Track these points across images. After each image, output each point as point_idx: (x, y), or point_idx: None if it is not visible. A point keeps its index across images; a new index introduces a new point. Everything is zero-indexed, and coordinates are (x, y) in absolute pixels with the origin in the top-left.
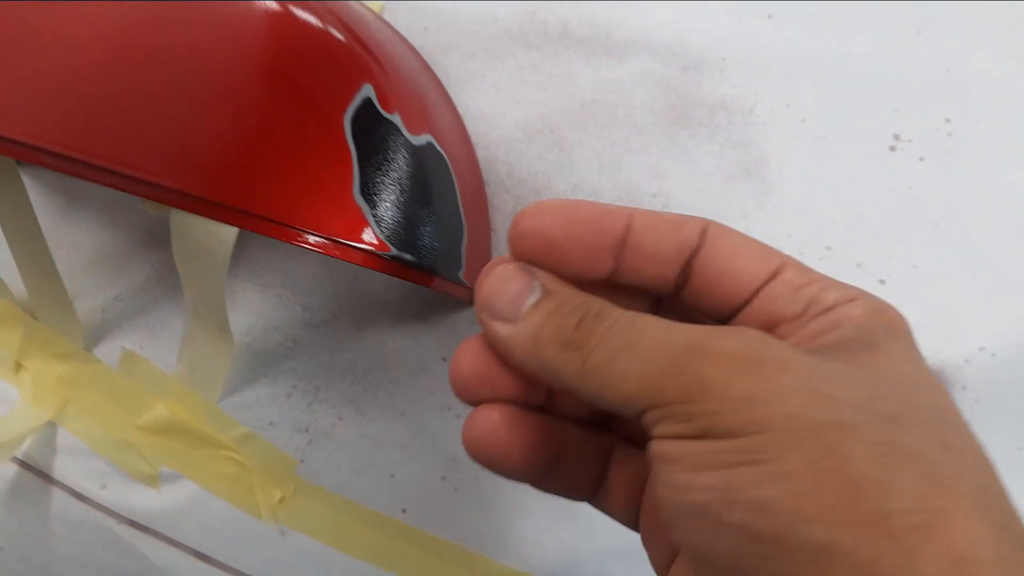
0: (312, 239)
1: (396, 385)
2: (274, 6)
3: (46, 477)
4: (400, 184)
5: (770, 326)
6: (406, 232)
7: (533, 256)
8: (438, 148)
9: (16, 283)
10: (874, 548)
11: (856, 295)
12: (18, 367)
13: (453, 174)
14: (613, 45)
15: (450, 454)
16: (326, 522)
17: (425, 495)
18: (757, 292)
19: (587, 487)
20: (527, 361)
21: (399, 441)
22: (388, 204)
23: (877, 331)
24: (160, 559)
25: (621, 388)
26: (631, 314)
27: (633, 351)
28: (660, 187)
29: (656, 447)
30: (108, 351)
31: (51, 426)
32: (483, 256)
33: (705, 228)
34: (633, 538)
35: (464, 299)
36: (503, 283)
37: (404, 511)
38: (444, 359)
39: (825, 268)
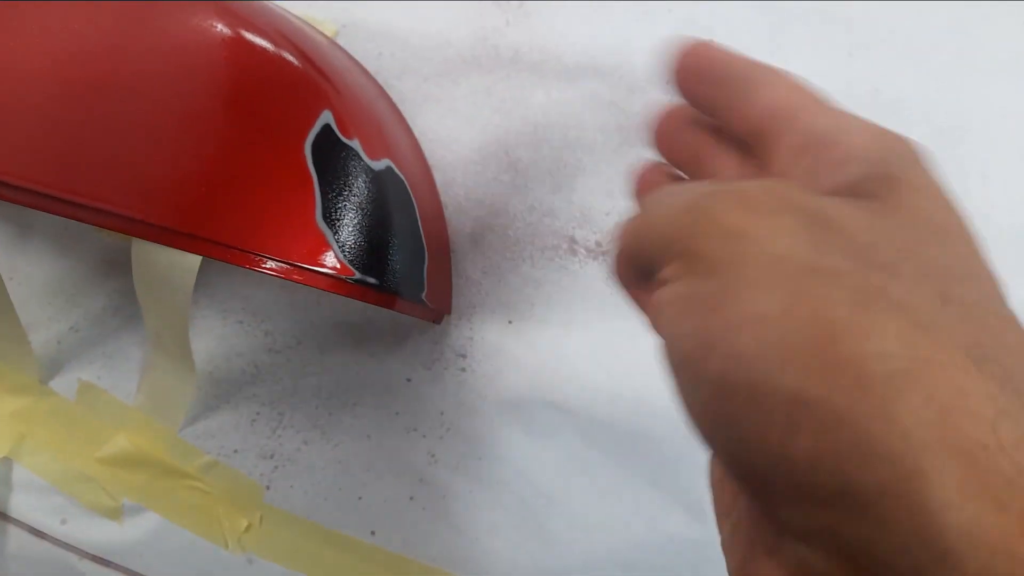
0: (276, 265)
1: (361, 408)
2: (228, 32)
3: (2, 515)
4: (361, 209)
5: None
6: (369, 256)
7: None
8: (397, 172)
9: None
10: (847, 395)
11: (855, 124)
12: None
13: (413, 197)
14: (563, 69)
15: (418, 474)
16: (294, 548)
17: (394, 516)
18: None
19: None
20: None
21: (366, 463)
22: (350, 229)
23: (889, 166)
24: None
25: (649, 234)
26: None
27: (669, 198)
28: (613, 206)
29: (654, 296)
30: (65, 383)
31: (6, 462)
32: (444, 277)
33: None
34: (601, 554)
35: (427, 319)
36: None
37: (373, 533)
38: (408, 380)
39: None
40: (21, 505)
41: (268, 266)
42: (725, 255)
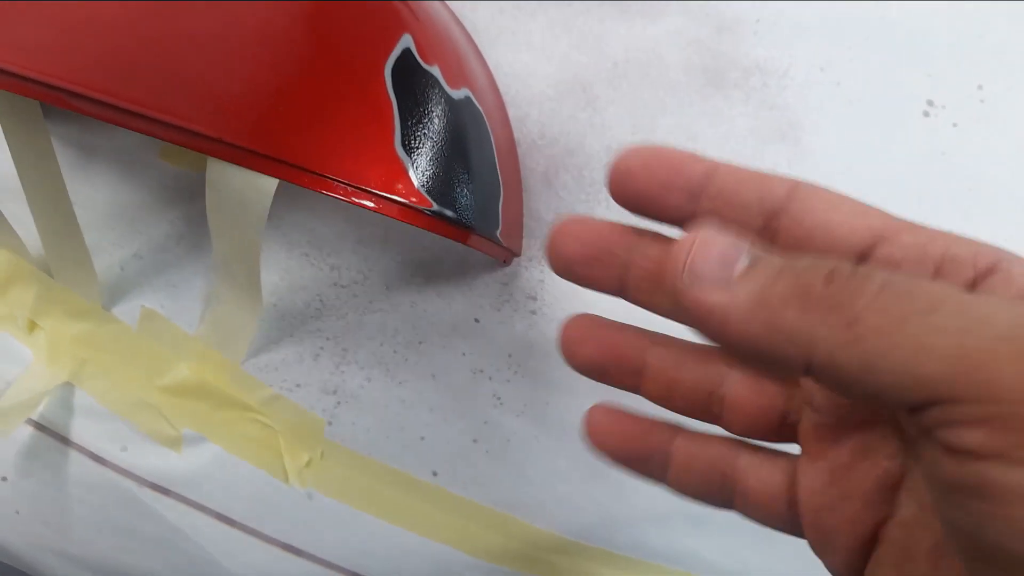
0: (353, 192)
1: (427, 346)
2: None
3: (63, 439)
4: (441, 138)
5: None
6: (446, 187)
7: (618, 194)
8: (475, 103)
9: (30, 239)
10: None
11: (990, 250)
12: (32, 326)
13: (490, 131)
14: (647, 4)
15: (482, 416)
16: (354, 485)
17: (456, 458)
18: (867, 255)
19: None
20: (751, 330)
21: (429, 403)
22: (429, 158)
23: None
24: (182, 522)
25: (913, 366)
26: (903, 275)
27: (935, 320)
28: (694, 148)
29: (972, 467)
30: (127, 311)
31: (68, 387)
32: (517, 216)
33: (795, 185)
34: (670, 503)
35: (499, 258)
36: (704, 245)
37: (435, 474)
38: (476, 320)
39: None
40: (82, 430)
41: (344, 192)
42: None
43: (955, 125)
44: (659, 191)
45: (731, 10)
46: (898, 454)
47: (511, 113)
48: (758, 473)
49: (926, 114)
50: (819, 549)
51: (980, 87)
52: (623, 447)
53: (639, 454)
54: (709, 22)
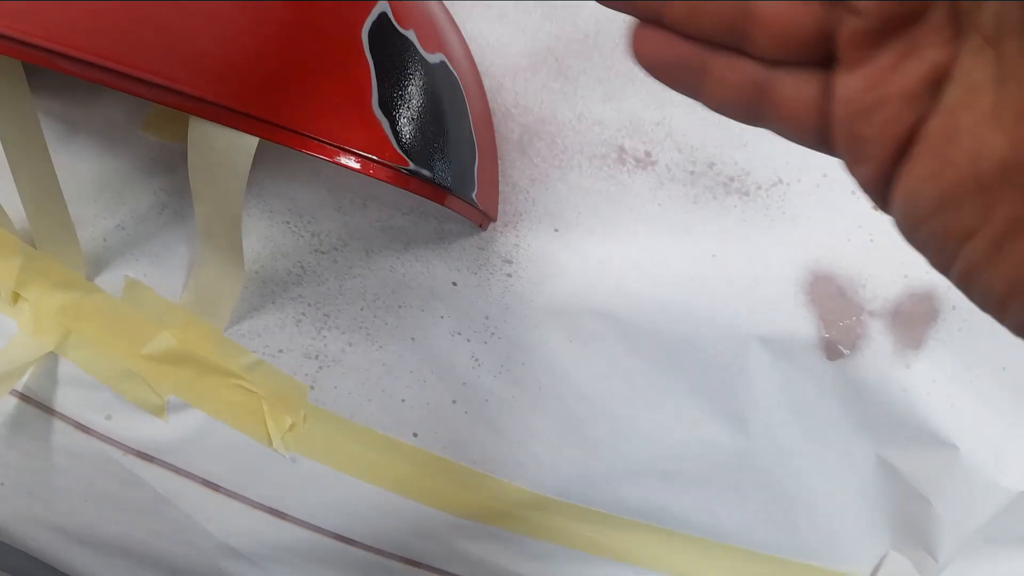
0: (333, 150)
1: (406, 310)
2: None
3: (47, 409)
4: (417, 99)
5: None
6: (423, 147)
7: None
8: (451, 68)
9: (13, 210)
10: None
11: None
12: (16, 298)
13: (465, 96)
14: None
15: (461, 378)
16: (337, 447)
17: (435, 419)
18: None
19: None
20: None
21: (409, 366)
22: (406, 118)
23: None
24: (167, 489)
25: None
26: None
27: None
28: (663, 115)
29: None
30: (111, 280)
31: (52, 357)
32: (493, 181)
33: None
34: (643, 461)
35: (475, 221)
36: None
37: (415, 435)
38: (454, 284)
39: (822, 194)
40: (66, 400)
41: (325, 151)
42: None
43: None
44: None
45: None
46: (949, 42)
47: (486, 83)
48: (792, 85)
49: None
50: (851, 159)
51: None
52: (663, 58)
53: (677, 64)
54: None
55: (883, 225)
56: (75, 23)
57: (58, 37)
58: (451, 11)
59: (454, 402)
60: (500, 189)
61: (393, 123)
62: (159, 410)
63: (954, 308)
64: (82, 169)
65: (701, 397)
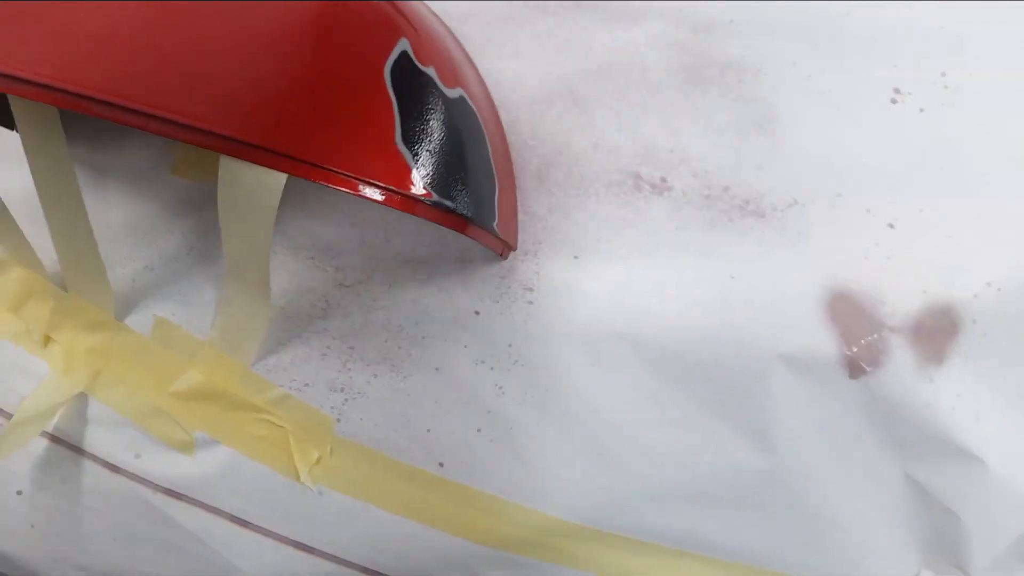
0: (360, 184)
1: (430, 340)
2: None
3: (77, 450)
4: (438, 133)
5: None
6: (445, 179)
7: None
8: (469, 103)
9: (44, 252)
10: None
11: None
12: (47, 340)
13: (484, 128)
14: (626, 10)
15: (485, 406)
16: (364, 479)
17: (461, 448)
18: None
19: None
20: None
21: (434, 396)
22: (428, 151)
23: None
24: (196, 527)
25: None
26: None
27: None
28: (677, 143)
29: None
30: (139, 321)
31: (82, 397)
32: (512, 210)
33: None
34: (669, 484)
35: (496, 250)
36: None
37: (441, 465)
38: (476, 313)
39: (835, 214)
40: (96, 439)
41: (352, 185)
42: None
43: (922, 110)
44: None
45: (706, 12)
46: None
47: (503, 116)
48: None
49: (893, 101)
50: None
51: (943, 74)
52: None
53: None
54: (685, 24)
55: (900, 242)
56: (108, 69)
57: (92, 83)
58: (467, 48)
59: (479, 431)
60: (519, 218)
61: (416, 156)
62: (187, 447)
63: (975, 322)
64: (111, 213)
65: (726, 419)
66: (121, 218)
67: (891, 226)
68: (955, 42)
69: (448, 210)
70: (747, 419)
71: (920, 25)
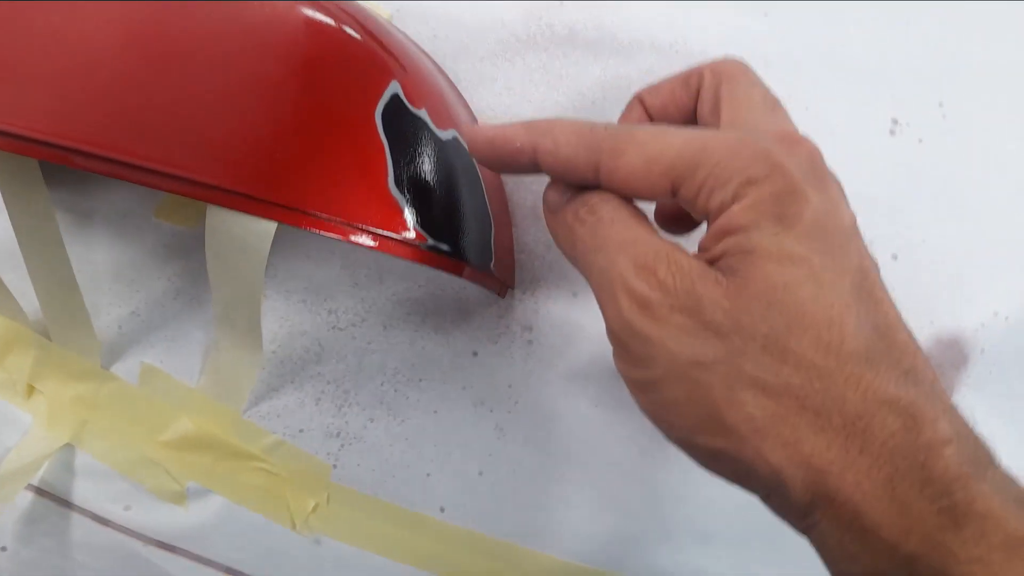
0: (352, 231)
1: (427, 383)
2: (297, 8)
3: (65, 503)
4: (431, 176)
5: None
6: (439, 222)
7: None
8: (463, 143)
9: (27, 299)
10: (736, 445)
11: (745, 178)
12: (31, 391)
13: (477, 168)
14: (619, 45)
15: (486, 449)
16: (363, 526)
17: (463, 492)
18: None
19: None
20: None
21: (433, 439)
22: (421, 195)
23: (753, 236)
24: None
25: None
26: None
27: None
28: None
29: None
30: (127, 368)
31: (69, 449)
32: (508, 249)
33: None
34: (678, 522)
35: (494, 290)
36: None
37: (442, 509)
38: (475, 353)
39: None
40: (84, 492)
41: (343, 232)
42: (642, 356)
43: (920, 141)
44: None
45: (699, 47)
46: None
47: None
48: None
49: (892, 132)
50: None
51: (941, 104)
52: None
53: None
54: (679, 60)
55: (904, 273)
56: (90, 120)
57: (74, 135)
58: (459, 86)
59: (480, 474)
60: (517, 256)
61: (409, 201)
62: (179, 497)
63: (983, 351)
64: (96, 258)
65: None
66: (106, 263)
67: (894, 257)
68: (952, 71)
69: (443, 253)
70: None
71: (917, 55)
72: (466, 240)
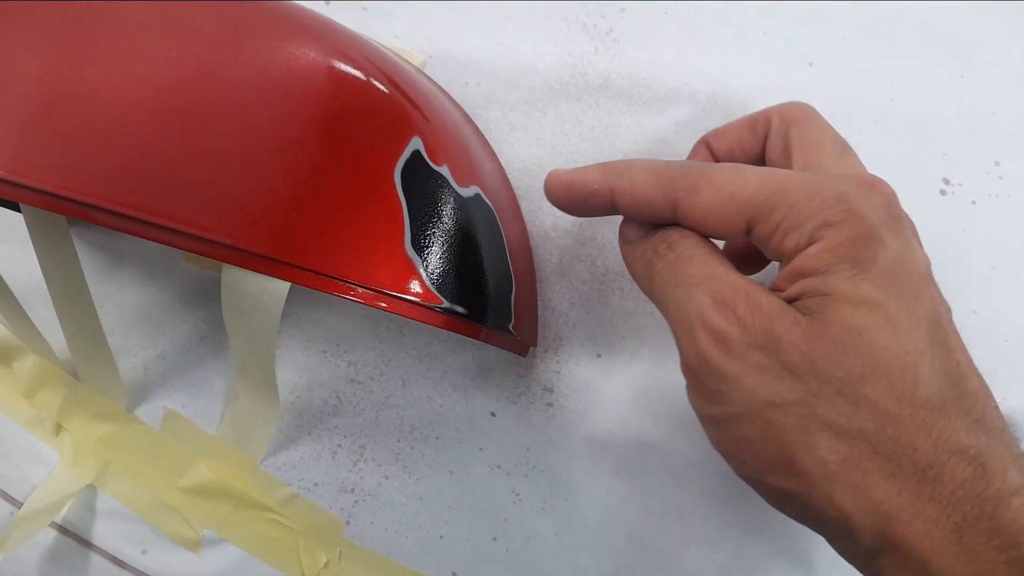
0: (364, 292)
1: (444, 442)
2: (318, 60)
3: (85, 543)
4: (450, 236)
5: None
6: (457, 284)
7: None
8: (486, 200)
9: (57, 342)
10: (807, 489)
11: (821, 221)
12: (58, 429)
13: (501, 226)
14: (654, 96)
15: (501, 514)
16: None
17: (476, 557)
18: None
19: None
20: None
21: (447, 500)
22: (439, 256)
23: (830, 279)
24: None
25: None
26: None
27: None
28: None
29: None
30: (150, 411)
31: (91, 489)
32: (531, 307)
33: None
34: None
35: (514, 351)
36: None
37: (454, 574)
38: (493, 414)
39: None
40: (104, 533)
41: (355, 293)
42: (718, 393)
43: (974, 203)
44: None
45: (737, 98)
46: None
47: (523, 206)
48: None
49: (943, 192)
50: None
51: (997, 163)
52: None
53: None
54: (717, 111)
55: None
56: (111, 178)
57: (95, 192)
58: (488, 136)
59: (495, 539)
60: (539, 313)
61: (426, 262)
62: (194, 545)
63: (1003, 399)
64: (125, 300)
65: (760, 537)
66: (135, 305)
67: None
68: (1008, 128)
69: (459, 316)
70: (784, 537)
71: (971, 111)
72: (484, 301)
